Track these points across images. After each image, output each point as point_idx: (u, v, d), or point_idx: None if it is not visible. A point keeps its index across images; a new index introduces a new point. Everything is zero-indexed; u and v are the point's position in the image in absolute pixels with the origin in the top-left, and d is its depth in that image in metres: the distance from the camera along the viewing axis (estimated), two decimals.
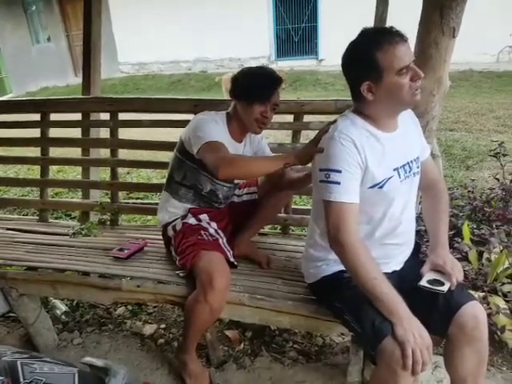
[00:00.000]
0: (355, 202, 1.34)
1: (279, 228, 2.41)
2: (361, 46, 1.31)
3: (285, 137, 4.60)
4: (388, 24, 1.89)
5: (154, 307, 2.43)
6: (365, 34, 1.33)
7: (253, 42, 10.65)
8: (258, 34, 10.78)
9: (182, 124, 1.93)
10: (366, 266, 1.29)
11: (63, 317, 2.35)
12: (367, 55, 1.27)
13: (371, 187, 1.37)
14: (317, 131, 1.54)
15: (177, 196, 1.89)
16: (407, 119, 1.48)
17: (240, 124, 1.80)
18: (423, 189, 1.62)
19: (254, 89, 1.70)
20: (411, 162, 1.44)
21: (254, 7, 10.65)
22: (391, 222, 1.44)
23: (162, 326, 2.29)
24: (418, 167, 1.48)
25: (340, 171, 1.32)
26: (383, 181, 1.37)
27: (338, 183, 1.32)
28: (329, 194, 1.33)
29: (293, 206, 2.29)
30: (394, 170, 1.39)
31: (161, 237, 1.99)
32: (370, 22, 2.84)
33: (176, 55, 11.77)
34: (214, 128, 1.70)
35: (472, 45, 8.34)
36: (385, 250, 1.47)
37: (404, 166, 1.42)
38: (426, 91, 1.54)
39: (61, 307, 2.39)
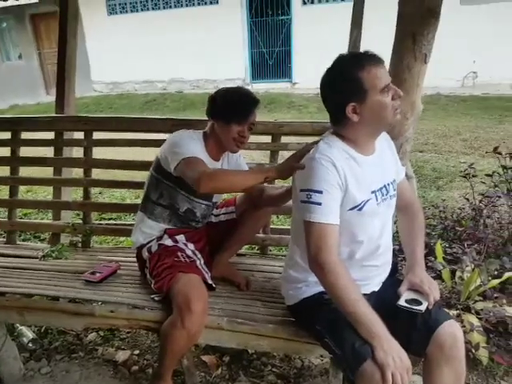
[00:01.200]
0: (336, 223, 1.34)
1: (257, 248, 2.39)
2: (343, 69, 1.34)
3: (262, 157, 4.63)
4: (362, 49, 1.94)
5: (128, 332, 2.35)
6: (344, 57, 1.36)
7: (228, 64, 10.75)
8: (233, 56, 10.89)
9: (158, 143, 1.90)
10: (346, 288, 1.29)
11: (30, 344, 2.24)
12: (351, 76, 1.30)
13: (351, 209, 1.38)
14: (294, 151, 1.55)
15: (152, 216, 1.85)
16: (383, 143, 1.51)
17: (217, 143, 1.79)
18: (399, 209, 1.65)
19: (232, 109, 1.70)
20: (388, 184, 1.47)
21: (230, 31, 10.78)
22: (370, 243, 1.45)
23: (136, 352, 2.21)
24: (394, 190, 1.50)
25: (321, 192, 1.32)
26: (362, 203, 1.38)
27: (319, 204, 1.32)
28: (310, 214, 1.33)
29: (271, 226, 2.29)
30: (372, 192, 1.41)
31: (135, 259, 1.95)
32: (342, 47, 2.92)
33: (151, 75, 11.76)
34: (192, 144, 1.70)
35: (439, 70, 8.66)
36: (364, 272, 1.48)
37: (381, 188, 1.44)
38: (401, 114, 1.58)
39: (28, 334, 2.28)
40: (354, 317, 1.26)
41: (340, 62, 1.36)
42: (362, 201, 1.38)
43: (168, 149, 1.70)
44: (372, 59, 1.31)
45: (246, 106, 1.74)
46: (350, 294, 1.28)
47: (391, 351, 1.20)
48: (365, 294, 1.44)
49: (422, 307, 1.36)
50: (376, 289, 1.52)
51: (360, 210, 1.39)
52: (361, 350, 1.24)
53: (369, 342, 1.23)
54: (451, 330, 1.35)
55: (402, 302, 1.39)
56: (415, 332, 1.37)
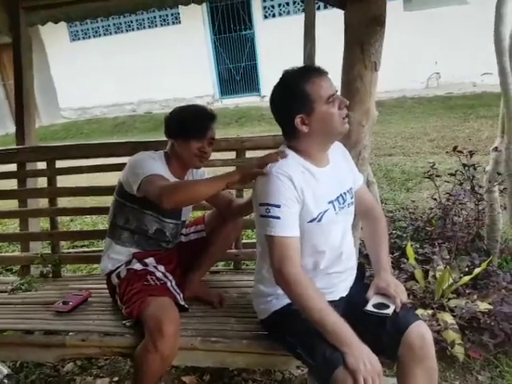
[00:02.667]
0: (296, 235, 1.36)
1: (232, 265, 2.38)
2: (289, 82, 1.39)
3: None
4: (317, 60, 1.99)
5: (106, 359, 2.30)
6: (289, 72, 1.41)
7: (196, 82, 10.77)
8: (200, 74, 10.92)
9: (122, 167, 1.89)
10: (312, 298, 1.30)
11: (5, 380, 2.16)
12: (297, 89, 1.34)
13: (310, 221, 1.40)
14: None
15: (119, 241, 1.84)
16: (337, 153, 1.54)
17: (179, 161, 1.80)
18: (361, 216, 1.68)
19: (189, 126, 1.72)
20: (344, 193, 1.50)
21: (194, 49, 10.81)
22: (333, 252, 1.47)
23: (115, 378, 2.16)
24: (351, 197, 1.53)
25: (279, 206, 1.34)
26: (320, 214, 1.41)
27: (278, 218, 1.33)
28: (270, 228, 1.34)
29: (244, 240, 2.29)
30: (329, 202, 1.43)
31: (106, 286, 1.92)
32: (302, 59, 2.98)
33: (119, 98, 11.69)
34: (152, 164, 1.69)
35: (404, 73, 8.93)
36: (330, 280, 1.49)
37: (338, 198, 1.47)
38: (356, 122, 1.61)
39: (3, 370, 2.20)
40: (322, 326, 1.27)
41: (285, 76, 1.41)
42: (320, 212, 1.41)
43: (129, 171, 1.70)
44: (316, 71, 1.37)
45: (202, 122, 1.75)
46: (316, 303, 1.29)
47: (361, 356, 1.21)
48: (333, 301, 1.47)
49: (389, 310, 1.38)
50: (344, 294, 1.54)
51: (319, 221, 1.41)
52: (332, 358, 1.25)
53: (339, 350, 1.24)
54: (419, 331, 1.37)
55: (369, 307, 1.41)
56: (385, 336, 1.38)
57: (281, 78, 1.41)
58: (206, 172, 1.98)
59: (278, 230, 1.34)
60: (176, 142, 1.77)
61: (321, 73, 1.37)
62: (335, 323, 1.27)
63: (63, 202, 2.64)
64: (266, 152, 1.49)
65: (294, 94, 1.35)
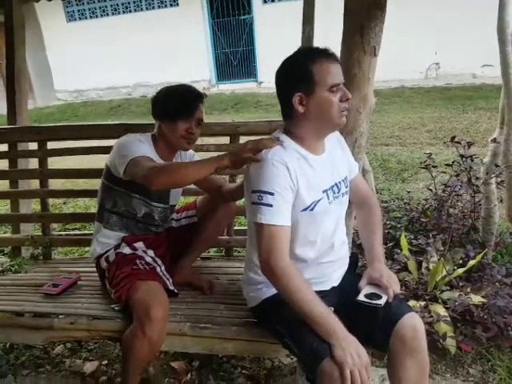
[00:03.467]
0: (287, 225, 1.34)
1: (224, 251, 2.37)
2: (296, 59, 1.36)
3: None
4: (315, 44, 1.95)
5: (95, 343, 2.30)
6: (301, 50, 1.40)
7: (193, 66, 10.67)
8: (197, 58, 10.81)
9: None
10: (300, 290, 1.28)
11: None
12: (302, 67, 1.31)
13: (303, 210, 1.38)
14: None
15: (108, 225, 1.82)
16: (333, 141, 1.51)
17: (167, 143, 1.77)
18: (356, 205, 1.66)
19: (176, 106, 1.68)
20: (339, 182, 1.47)
21: (192, 32, 10.69)
22: (324, 242, 1.45)
23: (104, 362, 2.17)
24: (346, 187, 1.51)
25: (273, 194, 1.31)
26: (313, 203, 1.38)
27: (271, 205, 1.31)
28: (260, 215, 1.31)
29: (236, 227, 2.27)
30: (324, 191, 1.41)
31: (95, 269, 1.90)
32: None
33: (114, 81, 11.58)
34: (139, 146, 1.66)
35: (402, 63, 8.86)
36: (321, 269, 1.48)
37: (332, 187, 1.44)
38: (353, 109, 1.58)
39: None
40: (310, 317, 1.26)
41: (296, 53, 1.38)
42: (313, 201, 1.38)
43: (115, 154, 1.67)
44: (328, 56, 1.33)
45: (189, 102, 1.71)
46: (303, 295, 1.27)
47: (349, 348, 1.19)
48: (324, 291, 1.46)
49: (382, 301, 1.37)
50: (336, 284, 1.52)
51: (312, 210, 1.39)
52: (319, 349, 1.23)
53: (327, 341, 1.23)
54: (411, 323, 1.36)
55: (361, 297, 1.39)
56: (377, 326, 1.37)
57: (291, 54, 1.38)
58: (195, 155, 1.95)
59: (269, 217, 1.31)
60: (163, 124, 1.74)
61: (332, 59, 1.33)
62: (323, 314, 1.25)
63: (56, 184, 2.60)
64: (261, 137, 1.45)
65: (299, 71, 1.32)
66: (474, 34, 7.89)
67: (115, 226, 1.82)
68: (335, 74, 1.32)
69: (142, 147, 1.66)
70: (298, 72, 1.32)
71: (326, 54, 1.33)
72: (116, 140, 1.75)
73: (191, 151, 1.91)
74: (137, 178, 1.55)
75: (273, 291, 1.46)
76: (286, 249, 1.32)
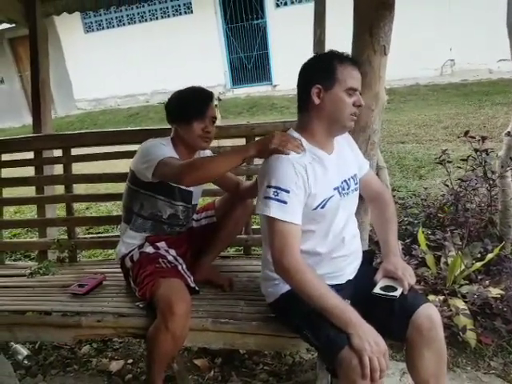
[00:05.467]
0: (298, 223, 1.37)
1: (242, 250, 2.41)
2: (325, 56, 1.46)
3: None
4: (326, 46, 1.99)
5: (120, 343, 2.37)
6: (332, 51, 1.46)
7: (208, 72, 10.77)
8: (212, 63, 10.94)
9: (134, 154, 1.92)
10: (312, 284, 1.31)
11: (25, 361, 2.25)
12: (329, 63, 1.40)
13: (315, 208, 1.42)
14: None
15: (134, 227, 1.88)
16: (341, 141, 1.56)
17: (186, 145, 1.83)
18: (369, 201, 1.70)
19: (189, 108, 1.75)
20: (349, 179, 1.51)
21: (206, 39, 10.83)
22: (336, 237, 1.49)
23: (129, 361, 2.23)
24: (356, 184, 1.55)
25: (288, 191, 1.35)
26: (324, 200, 1.42)
27: (285, 202, 1.34)
28: (274, 211, 1.35)
29: (253, 226, 2.31)
30: (335, 189, 1.45)
31: (120, 269, 1.96)
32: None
33: (132, 89, 11.79)
34: (163, 148, 1.72)
35: (417, 60, 8.80)
36: (335, 264, 1.51)
37: (342, 183, 1.49)
38: (365, 107, 1.60)
39: (22, 352, 2.29)
40: (326, 310, 1.29)
41: (326, 52, 1.47)
42: (325, 199, 1.42)
43: (141, 159, 1.73)
44: (354, 63, 1.43)
45: (201, 101, 1.78)
46: (315, 289, 1.30)
47: (366, 336, 1.22)
48: (340, 284, 1.49)
49: (397, 293, 1.39)
50: (351, 277, 1.55)
51: (323, 207, 1.42)
52: (336, 339, 1.26)
53: (344, 331, 1.25)
54: (428, 313, 1.38)
55: (376, 290, 1.42)
56: (393, 318, 1.39)
57: (323, 52, 1.50)
58: (211, 153, 2.00)
59: (283, 214, 1.34)
60: (179, 127, 1.80)
61: (357, 68, 1.42)
62: (337, 306, 1.28)
63: (79, 190, 2.69)
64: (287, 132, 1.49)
65: (324, 66, 1.40)
66: (488, 28, 7.77)
67: (141, 227, 1.88)
68: (356, 79, 1.40)
69: (166, 149, 1.72)
70: (324, 66, 1.40)
71: (353, 61, 1.43)
72: (139, 145, 1.81)
73: (208, 151, 1.97)
74: (167, 179, 1.63)
75: (288, 286, 1.49)
76: (296, 247, 1.36)
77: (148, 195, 1.82)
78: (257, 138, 2.19)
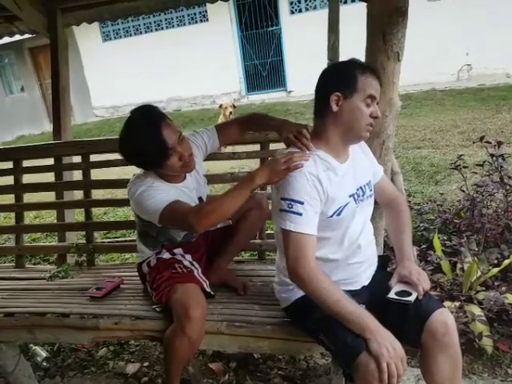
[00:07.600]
0: (314, 233, 1.39)
1: (257, 255, 2.43)
2: (347, 65, 1.46)
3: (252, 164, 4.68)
4: (340, 53, 2.01)
5: (137, 346, 2.41)
6: (354, 60, 1.47)
7: (223, 79, 10.91)
8: (227, 70, 11.04)
9: None
10: (327, 291, 1.32)
11: (44, 363, 2.31)
12: (349, 71, 1.41)
13: (330, 216, 1.43)
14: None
15: (150, 246, 1.89)
16: (356, 148, 1.57)
17: (171, 176, 1.77)
18: (384, 206, 1.70)
19: (153, 159, 1.64)
20: (364, 186, 1.52)
21: (222, 46, 10.94)
22: (352, 243, 1.49)
23: (146, 363, 2.27)
24: (370, 190, 1.56)
25: (303, 203, 1.36)
26: (340, 208, 1.44)
27: (300, 214, 1.36)
28: (290, 223, 1.37)
29: (268, 231, 2.33)
30: (350, 196, 1.46)
31: (137, 273, 1.99)
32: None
33: (149, 96, 11.86)
34: (156, 192, 1.64)
35: (433, 65, 8.75)
36: (351, 270, 1.52)
37: (357, 190, 1.50)
38: (379, 113, 1.62)
39: (41, 353, 2.36)
40: (342, 316, 1.30)
41: (348, 60, 1.48)
42: (340, 206, 1.43)
43: (140, 211, 1.71)
44: (374, 73, 1.43)
45: (161, 143, 1.60)
46: (331, 296, 1.31)
47: (384, 342, 1.22)
48: (355, 290, 1.50)
49: (411, 298, 1.40)
50: (366, 283, 1.56)
51: (339, 215, 1.44)
52: (354, 345, 1.26)
53: (361, 336, 1.26)
54: (442, 318, 1.38)
55: (391, 295, 1.43)
56: (408, 323, 1.40)
57: (344, 60, 1.50)
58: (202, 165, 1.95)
59: (298, 226, 1.36)
60: (156, 170, 1.74)
61: (378, 79, 1.43)
62: (354, 312, 1.29)
63: (97, 196, 2.74)
64: (288, 151, 1.48)
65: (345, 74, 1.41)
66: (505, 32, 7.72)
67: (156, 247, 1.89)
68: (376, 89, 1.41)
69: (159, 191, 1.64)
70: (345, 75, 1.41)
71: (374, 72, 1.44)
72: (129, 193, 1.73)
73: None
74: (178, 227, 1.61)
75: (303, 292, 1.51)
76: (312, 256, 1.37)
77: (159, 228, 1.77)
78: (271, 144, 2.22)
